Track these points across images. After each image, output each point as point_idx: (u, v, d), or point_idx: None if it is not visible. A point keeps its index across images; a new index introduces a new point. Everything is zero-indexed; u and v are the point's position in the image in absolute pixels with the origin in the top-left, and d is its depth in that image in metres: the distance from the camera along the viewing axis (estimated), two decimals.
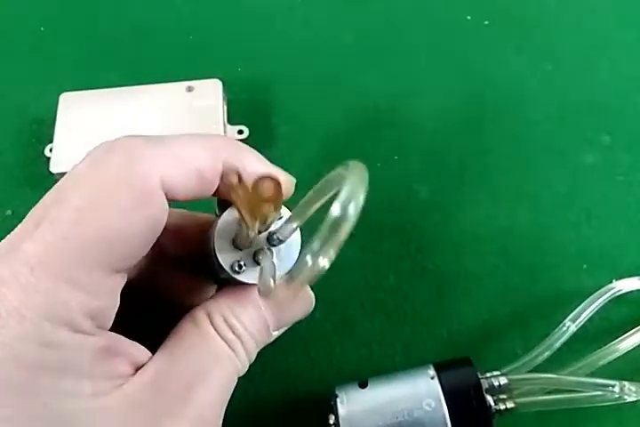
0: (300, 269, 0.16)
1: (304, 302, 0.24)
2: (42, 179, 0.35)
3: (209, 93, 0.36)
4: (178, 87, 0.36)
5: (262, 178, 0.17)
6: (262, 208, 0.19)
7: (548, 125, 0.37)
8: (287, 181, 0.22)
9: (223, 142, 0.23)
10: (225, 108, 0.36)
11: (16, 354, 0.17)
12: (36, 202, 0.19)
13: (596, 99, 0.37)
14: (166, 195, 0.20)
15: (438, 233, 0.33)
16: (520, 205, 0.34)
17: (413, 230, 0.33)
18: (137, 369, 0.20)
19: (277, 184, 0.17)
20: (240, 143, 0.23)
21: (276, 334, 0.23)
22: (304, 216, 0.21)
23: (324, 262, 0.16)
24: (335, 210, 0.15)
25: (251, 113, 0.37)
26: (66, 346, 0.18)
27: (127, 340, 0.20)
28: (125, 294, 0.20)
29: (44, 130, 0.36)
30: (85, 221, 0.18)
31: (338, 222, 0.15)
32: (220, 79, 0.37)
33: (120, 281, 0.20)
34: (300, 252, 0.24)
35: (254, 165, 0.22)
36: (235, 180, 0.18)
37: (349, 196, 0.15)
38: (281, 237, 0.22)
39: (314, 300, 0.24)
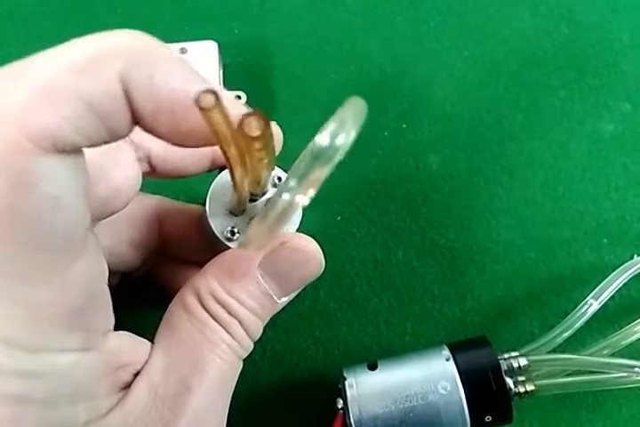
0: (274, 204, 0.14)
1: (310, 260, 0.20)
2: None
3: (204, 56, 0.34)
4: (170, 49, 0.34)
5: (246, 115, 0.14)
6: (252, 153, 0.15)
7: (566, 92, 0.34)
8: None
9: (112, 45, 0.15)
10: (221, 71, 0.34)
11: None
12: None
13: (615, 64, 0.35)
14: (57, 147, 0.14)
15: (449, 206, 0.31)
16: (536, 175, 0.32)
17: (423, 203, 0.31)
18: (138, 373, 0.18)
19: (265, 120, 0.14)
20: (146, 40, 0.16)
21: (285, 300, 0.20)
22: None
23: (301, 199, 0.13)
24: (322, 139, 0.13)
25: (249, 78, 0.35)
26: (53, 373, 0.15)
27: (130, 338, 0.18)
28: (129, 290, 0.18)
29: None
30: None
31: (322, 153, 0.13)
32: (216, 41, 0.34)
33: (82, 281, 0.16)
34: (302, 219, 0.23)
35: (171, 77, 0.15)
36: (210, 101, 0.13)
37: (340, 125, 0.13)
38: None
39: (322, 257, 0.21)
